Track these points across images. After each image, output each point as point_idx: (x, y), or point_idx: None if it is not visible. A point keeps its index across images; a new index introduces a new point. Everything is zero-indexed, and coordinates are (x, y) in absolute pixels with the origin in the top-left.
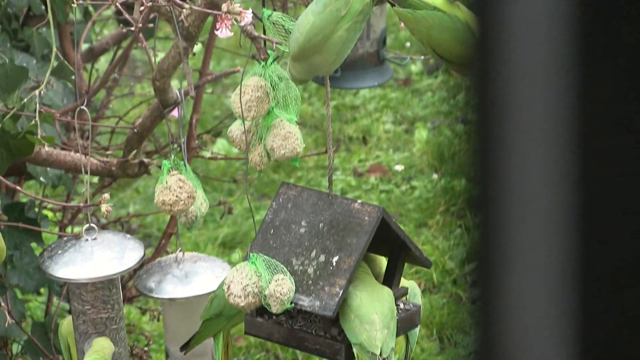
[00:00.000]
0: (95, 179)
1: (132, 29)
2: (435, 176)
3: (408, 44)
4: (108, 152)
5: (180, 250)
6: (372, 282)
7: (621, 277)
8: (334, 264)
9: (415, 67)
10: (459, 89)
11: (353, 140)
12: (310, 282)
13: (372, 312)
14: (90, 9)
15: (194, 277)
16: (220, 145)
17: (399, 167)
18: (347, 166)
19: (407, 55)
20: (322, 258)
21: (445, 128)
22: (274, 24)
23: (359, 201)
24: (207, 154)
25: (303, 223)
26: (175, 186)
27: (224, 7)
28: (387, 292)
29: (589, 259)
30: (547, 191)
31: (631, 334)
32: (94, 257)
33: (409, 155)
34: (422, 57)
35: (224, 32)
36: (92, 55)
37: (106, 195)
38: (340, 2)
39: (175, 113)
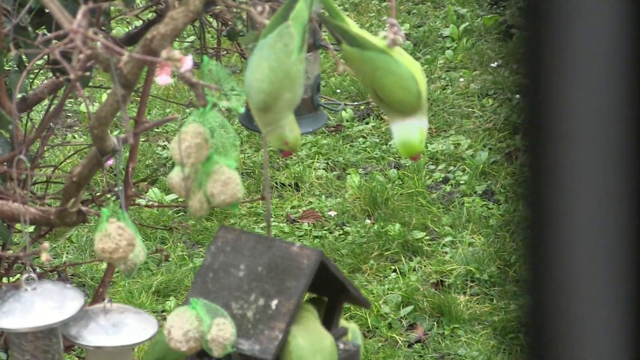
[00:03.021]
0: (31, 229)
1: (69, 77)
2: (368, 221)
3: (338, 90)
4: (44, 201)
5: (108, 301)
6: (314, 326)
7: None
8: (274, 307)
9: (346, 114)
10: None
11: (285, 187)
12: (249, 325)
13: (313, 357)
14: (24, 58)
15: (122, 327)
16: (152, 194)
17: (332, 213)
18: (280, 213)
19: (340, 102)
20: (261, 302)
21: (377, 173)
22: (209, 71)
23: (298, 244)
24: (143, 202)
25: (242, 266)
26: (115, 234)
27: (164, 53)
28: (328, 337)
29: None
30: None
31: None
32: (35, 307)
33: (342, 201)
34: (354, 103)
35: (163, 79)
36: (26, 105)
37: (46, 244)
38: (285, 37)
39: (110, 161)
